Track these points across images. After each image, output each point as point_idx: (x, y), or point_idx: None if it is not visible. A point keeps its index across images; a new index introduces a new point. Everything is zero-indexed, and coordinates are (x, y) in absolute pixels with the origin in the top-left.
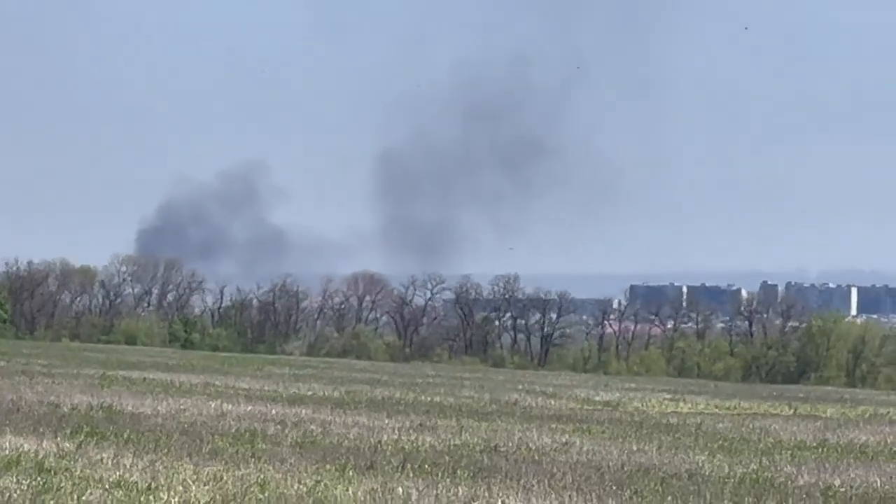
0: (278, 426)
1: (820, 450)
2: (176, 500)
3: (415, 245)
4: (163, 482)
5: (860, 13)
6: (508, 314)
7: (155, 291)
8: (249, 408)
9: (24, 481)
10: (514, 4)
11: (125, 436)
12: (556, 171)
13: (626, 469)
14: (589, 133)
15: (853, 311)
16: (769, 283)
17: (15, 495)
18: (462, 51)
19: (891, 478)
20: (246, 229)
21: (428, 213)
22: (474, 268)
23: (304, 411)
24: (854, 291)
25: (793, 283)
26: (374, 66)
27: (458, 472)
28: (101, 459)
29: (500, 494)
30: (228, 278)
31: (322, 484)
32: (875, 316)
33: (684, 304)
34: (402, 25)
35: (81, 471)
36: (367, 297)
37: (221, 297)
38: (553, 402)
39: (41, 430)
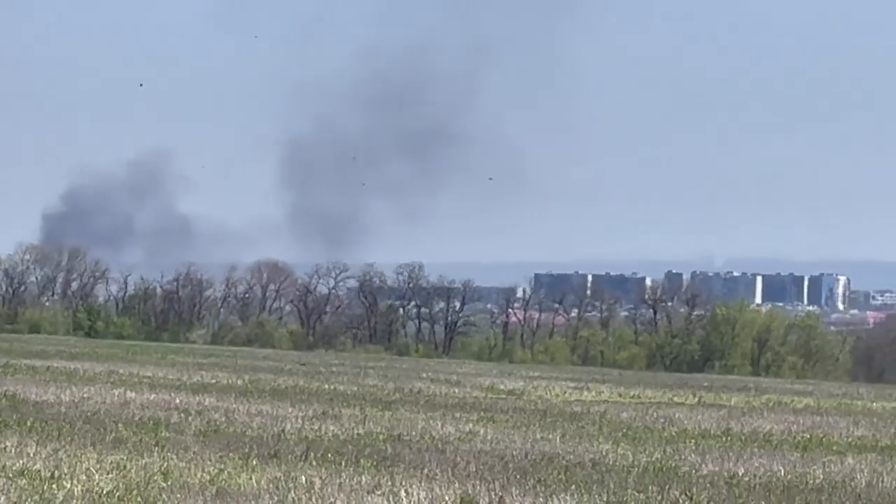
0: (182, 415)
1: (724, 438)
2: (79, 488)
3: (320, 234)
4: (66, 471)
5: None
6: (413, 302)
7: (59, 280)
8: (153, 396)
9: None
10: None
11: (29, 424)
12: (462, 159)
13: (529, 458)
14: (495, 120)
15: (758, 300)
16: (674, 271)
17: None
18: (366, 37)
19: (794, 466)
20: (152, 218)
21: (333, 201)
22: (381, 256)
23: (207, 400)
24: (759, 280)
25: (698, 271)
26: (278, 53)
27: (362, 460)
28: (5, 448)
29: (404, 483)
30: (133, 267)
31: (225, 472)
32: (780, 304)
33: (589, 292)
34: (305, 12)
35: None
36: (271, 286)
37: (126, 286)
38: (457, 391)
39: None
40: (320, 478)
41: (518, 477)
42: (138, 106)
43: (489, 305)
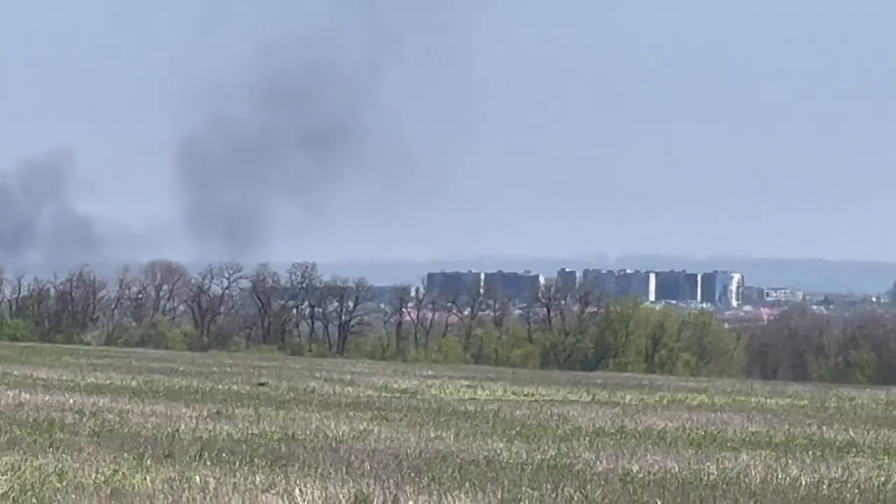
0: (76, 416)
1: (618, 436)
2: None
3: (219, 233)
4: None
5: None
6: (306, 302)
7: None
8: (47, 397)
9: None
10: None
11: None
12: (360, 155)
13: (424, 456)
14: (395, 116)
15: (651, 297)
16: (567, 269)
17: None
18: (263, 32)
19: (689, 463)
20: (50, 220)
21: (231, 200)
22: (280, 255)
23: (101, 401)
24: (652, 277)
25: (591, 269)
26: (174, 50)
27: (256, 460)
28: None
29: (298, 482)
30: (28, 268)
31: (120, 473)
32: (674, 301)
33: (482, 291)
34: (201, 8)
35: None
36: (165, 287)
37: (20, 288)
38: (351, 390)
39: None
40: (214, 477)
41: (412, 475)
42: (35, 106)
43: (382, 305)
